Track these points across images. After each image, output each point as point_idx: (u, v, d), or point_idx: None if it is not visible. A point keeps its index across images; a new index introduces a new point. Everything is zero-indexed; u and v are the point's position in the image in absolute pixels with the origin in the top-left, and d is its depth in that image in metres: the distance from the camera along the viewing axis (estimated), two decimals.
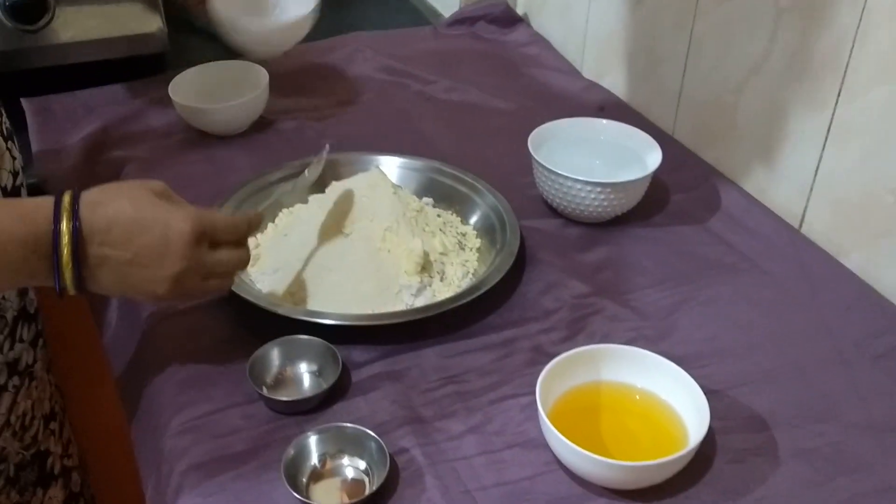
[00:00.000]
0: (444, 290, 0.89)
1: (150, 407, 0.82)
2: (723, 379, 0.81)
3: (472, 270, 0.93)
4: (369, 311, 0.86)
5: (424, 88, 1.31)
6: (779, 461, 0.74)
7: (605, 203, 0.97)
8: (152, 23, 1.26)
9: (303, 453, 0.72)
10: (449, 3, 1.57)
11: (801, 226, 1.02)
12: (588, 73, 1.35)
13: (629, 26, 1.25)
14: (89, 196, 0.70)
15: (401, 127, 1.21)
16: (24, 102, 1.22)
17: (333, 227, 0.92)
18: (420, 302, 0.88)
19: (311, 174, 0.96)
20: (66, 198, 0.69)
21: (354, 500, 0.69)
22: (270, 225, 0.98)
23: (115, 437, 1.03)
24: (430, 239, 0.92)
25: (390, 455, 0.71)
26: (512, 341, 0.85)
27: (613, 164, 1.03)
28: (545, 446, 0.73)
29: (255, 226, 0.80)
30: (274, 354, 0.81)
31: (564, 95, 1.29)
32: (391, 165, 1.03)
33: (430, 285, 0.89)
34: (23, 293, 0.91)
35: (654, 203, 1.04)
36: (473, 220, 1.00)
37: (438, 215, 0.99)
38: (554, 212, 1.03)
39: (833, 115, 0.94)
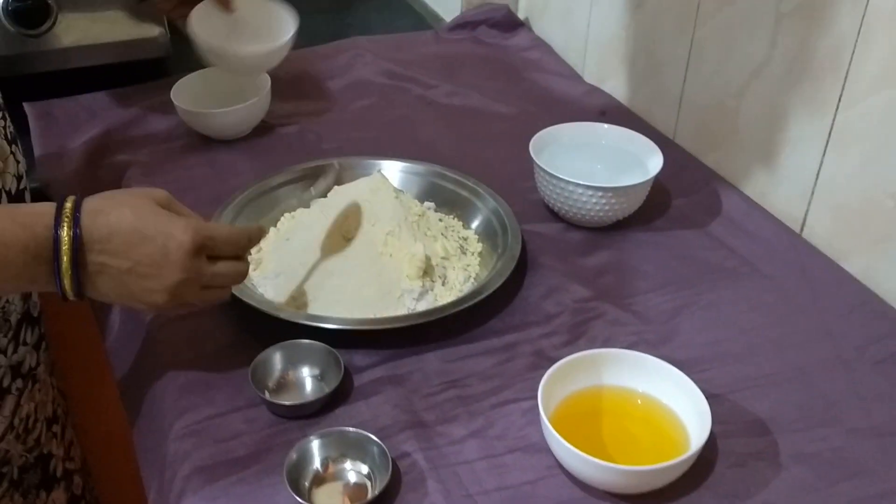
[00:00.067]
0: (445, 294, 0.89)
1: (152, 411, 0.82)
2: (724, 383, 0.81)
3: (473, 275, 0.93)
4: (371, 316, 0.86)
5: (426, 93, 1.31)
6: (780, 465, 0.74)
7: (607, 207, 0.97)
8: (154, 27, 1.26)
9: (305, 457, 0.72)
10: (450, 8, 1.57)
11: (802, 230, 1.02)
12: (589, 77, 1.35)
13: (630, 31, 1.25)
14: (91, 203, 0.70)
15: (402, 131, 1.21)
16: (26, 107, 1.23)
17: (335, 231, 0.92)
18: (422, 306, 0.88)
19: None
20: (68, 204, 0.69)
21: None
22: (272, 229, 0.98)
23: (117, 441, 1.03)
24: (431, 243, 0.93)
25: (392, 459, 0.71)
26: (513, 345, 0.85)
27: (615, 168, 1.04)
28: (547, 450, 0.73)
29: (256, 239, 0.80)
30: (276, 359, 0.81)
31: (566, 100, 1.29)
32: (393, 170, 1.04)
33: (432, 290, 0.89)
34: (26, 297, 0.92)
35: (655, 207, 1.04)
36: (475, 224, 1.00)
37: (440, 220, 0.99)
38: (555, 216, 1.03)
39: (834, 119, 0.95)
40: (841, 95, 0.93)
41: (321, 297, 0.88)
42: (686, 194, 1.08)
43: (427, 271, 0.89)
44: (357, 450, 0.73)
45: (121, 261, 0.70)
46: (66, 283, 0.69)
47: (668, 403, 0.76)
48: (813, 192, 0.99)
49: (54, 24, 1.19)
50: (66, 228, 0.68)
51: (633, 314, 0.89)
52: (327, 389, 0.78)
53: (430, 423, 0.77)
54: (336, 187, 0.97)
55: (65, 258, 0.68)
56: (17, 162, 0.90)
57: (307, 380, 0.82)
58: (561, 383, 0.75)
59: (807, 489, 0.72)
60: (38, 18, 1.18)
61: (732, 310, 0.90)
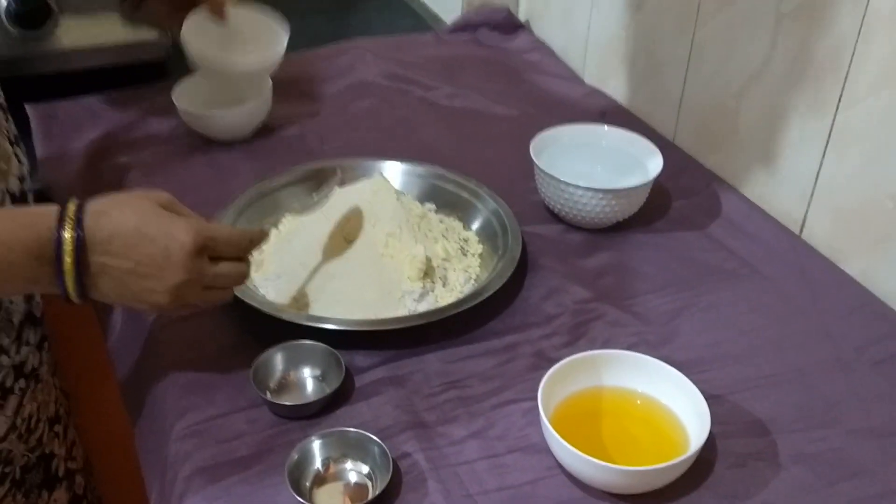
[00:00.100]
0: (446, 295, 0.90)
1: (154, 411, 0.82)
2: (724, 384, 0.81)
3: (474, 276, 0.93)
4: (372, 317, 0.87)
5: (426, 94, 1.31)
6: (780, 466, 0.74)
7: (607, 209, 0.98)
8: (154, 30, 1.26)
9: (306, 458, 0.73)
10: (451, 10, 1.57)
11: (801, 231, 1.02)
12: (589, 79, 1.36)
13: (630, 32, 1.25)
14: (94, 205, 0.71)
15: (403, 133, 1.21)
16: (28, 108, 1.23)
17: (337, 233, 0.92)
18: (422, 307, 0.88)
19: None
20: (72, 206, 0.70)
21: None
22: (274, 231, 0.98)
23: (118, 440, 1.03)
24: (432, 245, 0.93)
25: (393, 459, 0.72)
26: (514, 346, 0.85)
27: (615, 170, 1.04)
28: (547, 451, 0.74)
29: (258, 242, 0.80)
30: (277, 359, 0.82)
31: (566, 101, 1.30)
32: (394, 171, 1.04)
33: (433, 291, 0.89)
34: (29, 297, 0.92)
35: (655, 209, 1.04)
36: (475, 225, 1.00)
37: (441, 221, 0.99)
38: (556, 217, 1.03)
39: (834, 120, 0.95)
40: (841, 96, 0.93)
41: (322, 298, 0.88)
42: (686, 196, 1.08)
43: (428, 272, 0.90)
44: (358, 450, 0.73)
45: (123, 261, 0.70)
46: (69, 284, 0.70)
47: (668, 404, 0.76)
48: (813, 194, 0.99)
49: (56, 26, 1.19)
50: (68, 230, 0.68)
51: (633, 315, 0.89)
52: (328, 390, 0.79)
53: (430, 424, 0.77)
54: (337, 188, 0.98)
55: (68, 259, 0.68)
56: (20, 163, 0.90)
57: (308, 380, 0.82)
58: (561, 384, 0.76)
59: (806, 489, 0.72)
60: (39, 20, 1.18)
61: (732, 311, 0.90)
